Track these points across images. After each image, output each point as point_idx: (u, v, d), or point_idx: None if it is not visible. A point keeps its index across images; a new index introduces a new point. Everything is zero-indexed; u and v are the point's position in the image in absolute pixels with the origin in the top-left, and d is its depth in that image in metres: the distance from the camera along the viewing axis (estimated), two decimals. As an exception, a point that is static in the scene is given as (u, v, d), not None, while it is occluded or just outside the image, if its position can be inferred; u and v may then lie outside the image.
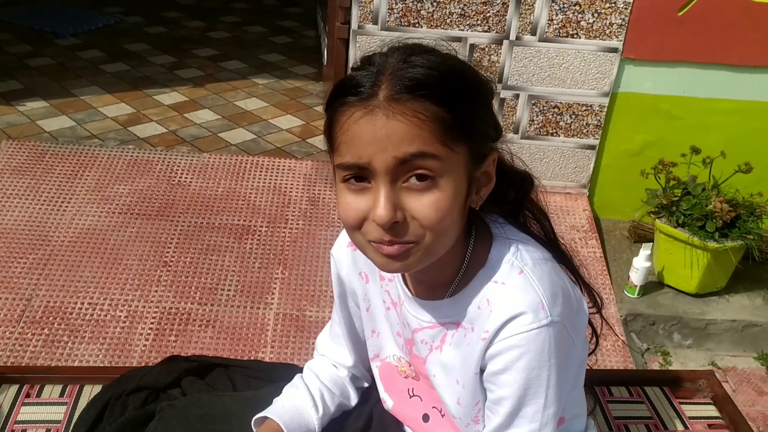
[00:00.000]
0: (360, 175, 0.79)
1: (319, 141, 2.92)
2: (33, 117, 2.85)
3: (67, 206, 2.44)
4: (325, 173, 2.72)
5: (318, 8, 4.07)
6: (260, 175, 2.68)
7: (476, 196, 0.83)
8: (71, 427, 1.15)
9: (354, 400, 1.14)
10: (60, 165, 2.59)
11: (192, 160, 2.70)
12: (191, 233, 2.39)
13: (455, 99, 0.78)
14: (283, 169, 2.72)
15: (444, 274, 0.89)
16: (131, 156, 2.69)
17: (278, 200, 2.57)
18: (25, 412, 1.18)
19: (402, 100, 0.75)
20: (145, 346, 2.02)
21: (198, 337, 2.07)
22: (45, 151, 2.64)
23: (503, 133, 0.87)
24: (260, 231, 2.44)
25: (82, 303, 2.12)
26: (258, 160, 2.75)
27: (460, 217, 0.82)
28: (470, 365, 0.85)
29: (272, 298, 2.21)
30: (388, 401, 1.06)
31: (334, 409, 1.10)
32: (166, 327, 2.09)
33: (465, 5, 2.32)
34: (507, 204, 0.90)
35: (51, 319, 2.07)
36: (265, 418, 1.05)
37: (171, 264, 2.28)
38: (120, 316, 2.10)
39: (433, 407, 0.98)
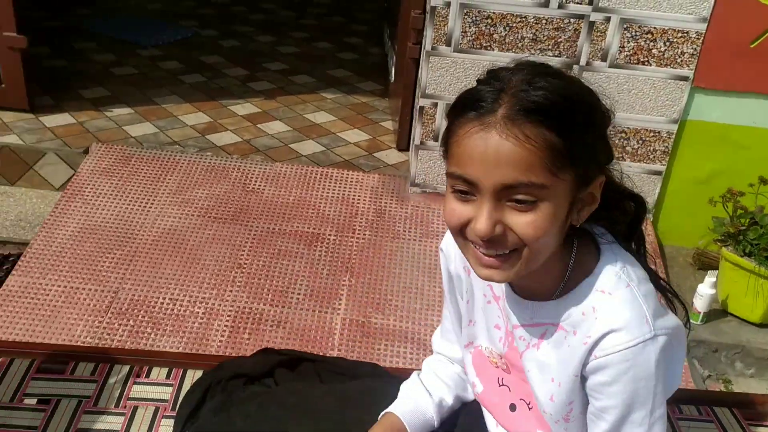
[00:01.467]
0: (467, 188, 0.85)
1: (385, 155, 3.03)
2: (120, 122, 3.04)
3: (150, 207, 2.59)
4: (391, 187, 2.82)
5: (385, 27, 4.21)
6: (329, 185, 2.80)
7: (578, 215, 0.88)
8: (177, 407, 1.26)
9: (471, 393, 1.19)
10: (144, 168, 2.76)
11: (265, 168, 2.84)
12: (264, 238, 2.52)
13: (571, 128, 0.81)
14: (351, 181, 2.83)
15: (545, 278, 0.94)
16: (209, 162, 2.84)
17: (346, 210, 2.68)
18: (137, 390, 1.30)
19: (518, 122, 0.80)
20: (220, 342, 2.14)
21: (270, 336, 2.18)
22: (131, 155, 2.82)
23: (614, 157, 0.92)
24: (329, 239, 2.55)
25: (164, 298, 2.26)
26: (327, 172, 2.87)
27: (560, 233, 0.88)
28: (569, 367, 0.92)
29: (339, 304, 2.32)
30: (478, 386, 1.12)
31: (452, 402, 1.17)
32: (240, 325, 2.21)
33: (537, 30, 2.40)
34: (617, 224, 0.96)
35: (136, 311, 2.21)
36: (386, 412, 1.13)
37: (245, 266, 2.40)
38: (198, 312, 2.23)
39: (521, 399, 1.05)
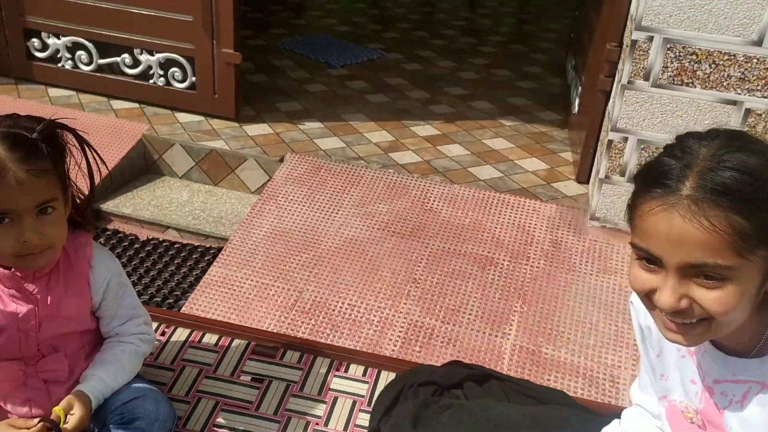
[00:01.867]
0: (651, 260, 0.84)
1: (563, 186, 3.01)
2: (311, 135, 3.27)
3: (335, 216, 2.76)
4: (568, 219, 2.79)
5: (569, 58, 4.18)
6: (505, 211, 2.83)
7: None
8: (372, 404, 1.34)
9: None
10: (332, 180, 2.95)
11: (443, 189, 2.93)
12: (439, 256, 2.60)
13: (762, 210, 0.76)
14: (527, 209, 2.84)
15: (743, 337, 0.91)
16: (391, 179, 2.97)
17: (521, 237, 2.70)
18: (337, 383, 1.40)
19: (703, 206, 0.76)
20: (392, 351, 2.23)
21: (440, 352, 2.24)
22: (320, 166, 3.02)
23: None
24: (502, 264, 2.58)
25: (343, 303, 2.40)
26: (504, 198, 2.90)
27: (752, 302, 0.83)
28: None
29: (510, 329, 2.33)
30: (672, 440, 1.11)
31: None
32: (412, 338, 2.29)
33: (746, 69, 2.29)
34: None
35: (317, 312, 2.36)
36: None
37: (419, 281, 2.49)
38: (373, 320, 2.34)
39: (716, 455, 1.02)
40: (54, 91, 3.46)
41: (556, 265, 2.58)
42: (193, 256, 2.73)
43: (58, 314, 1.20)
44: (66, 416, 1.11)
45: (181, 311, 2.35)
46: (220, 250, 2.72)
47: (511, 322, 2.35)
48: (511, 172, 3.10)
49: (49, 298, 1.19)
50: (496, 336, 2.30)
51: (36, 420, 1.10)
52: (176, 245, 2.78)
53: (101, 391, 1.19)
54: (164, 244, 2.78)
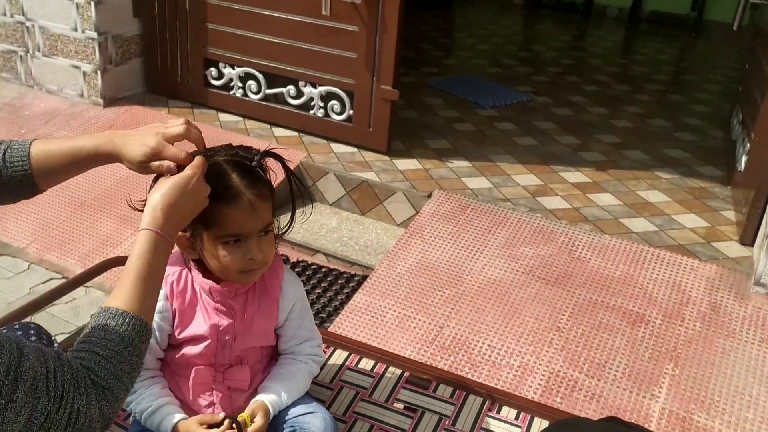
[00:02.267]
0: None
1: (725, 247, 2.83)
2: (459, 174, 3.31)
3: (479, 256, 2.77)
4: (730, 281, 2.62)
5: (735, 111, 3.96)
6: (659, 267, 2.70)
7: None
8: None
9: None
10: (478, 219, 2.96)
11: (593, 238, 2.85)
12: (585, 307, 2.52)
13: None
14: (683, 267, 2.70)
15: None
16: (537, 224, 2.94)
17: (675, 297, 2.56)
18: (488, 423, 1.39)
19: None
20: (532, 398, 2.18)
21: (582, 407, 2.16)
22: (467, 205, 3.05)
23: None
24: (654, 322, 2.46)
25: (483, 343, 2.39)
26: (658, 253, 2.77)
27: None
28: None
29: (659, 392, 2.21)
30: None
31: None
32: (552, 387, 2.23)
33: None
34: None
35: (456, 349, 2.36)
36: None
37: (563, 330, 2.42)
38: (513, 364, 2.31)
39: None
40: (224, 116, 3.75)
41: (713, 330, 2.42)
42: (339, 281, 2.83)
43: (251, 329, 1.30)
44: (250, 422, 1.19)
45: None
46: (364, 278, 2.80)
47: (661, 385, 2.23)
48: (666, 226, 2.97)
49: (245, 314, 1.29)
50: (644, 397, 2.19)
51: (221, 415, 1.19)
52: (323, 269, 2.90)
53: (278, 404, 1.27)
54: (312, 266, 2.91)
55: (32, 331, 1.29)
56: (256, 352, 1.35)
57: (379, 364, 1.54)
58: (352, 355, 1.56)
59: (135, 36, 3.80)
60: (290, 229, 1.32)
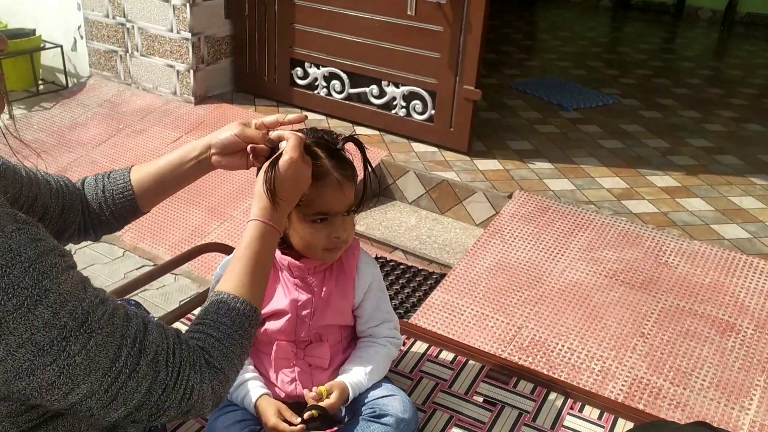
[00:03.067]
0: None
1: (826, 256, 2.67)
2: (540, 175, 3.26)
3: (560, 258, 2.72)
4: (831, 292, 2.47)
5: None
6: (752, 275, 2.58)
7: None
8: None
9: None
10: (559, 221, 2.91)
11: (681, 244, 2.75)
12: (672, 313, 2.43)
13: None
14: (779, 276, 2.56)
15: None
16: (622, 227, 2.86)
17: (770, 306, 2.44)
18: (570, 421, 1.37)
19: None
20: (613, 404, 2.12)
21: (665, 415, 2.09)
22: (548, 207, 3.00)
23: None
24: (745, 332, 2.35)
25: (562, 345, 2.34)
26: (752, 261, 2.65)
27: None
28: None
29: (750, 404, 2.11)
30: None
31: None
32: (635, 394, 2.16)
33: None
34: None
35: (535, 350, 2.33)
36: None
37: (648, 336, 2.35)
38: (594, 369, 2.25)
39: None
40: (308, 115, 3.84)
41: (812, 343, 2.29)
42: (417, 279, 2.84)
43: (328, 306, 1.33)
44: (326, 396, 1.22)
45: (403, 329, 2.47)
46: (442, 276, 2.81)
47: (751, 397, 2.13)
48: (761, 234, 2.83)
49: (323, 290, 1.33)
50: (733, 408, 2.09)
51: (298, 421, 1.20)
52: (402, 266, 2.92)
53: (358, 386, 1.29)
54: (391, 263, 2.93)
55: (132, 306, 1.37)
56: (336, 331, 1.38)
57: (458, 357, 1.54)
58: (432, 347, 1.57)
59: (226, 37, 3.95)
60: (360, 207, 1.36)
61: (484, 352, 1.56)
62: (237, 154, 1.23)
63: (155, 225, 3.10)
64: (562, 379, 2.22)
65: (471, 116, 3.35)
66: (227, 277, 1.07)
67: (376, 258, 2.96)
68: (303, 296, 1.32)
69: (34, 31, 4.28)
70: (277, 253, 1.32)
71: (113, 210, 1.29)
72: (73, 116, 3.96)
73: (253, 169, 1.25)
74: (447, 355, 1.55)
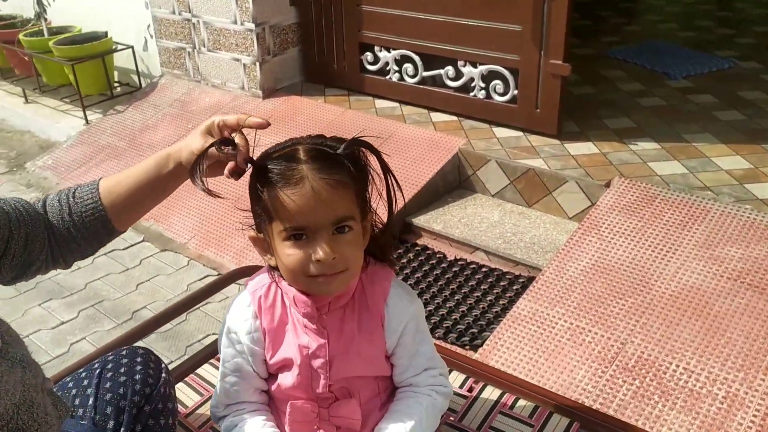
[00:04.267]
0: None
1: None
2: (644, 158, 2.83)
3: (671, 257, 2.31)
4: None
5: None
6: None
7: None
8: None
9: None
10: (669, 212, 2.49)
11: (824, 235, 2.26)
12: (816, 324, 1.98)
13: None
14: None
15: None
16: (747, 217, 2.40)
17: None
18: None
19: None
20: (743, 441, 1.73)
21: (814, 457, 1.68)
22: (655, 195, 2.57)
23: None
24: None
25: (677, 365, 1.96)
26: None
27: None
28: None
29: None
30: None
31: None
32: (772, 428, 1.76)
33: None
34: None
35: (643, 371, 1.96)
36: None
37: (786, 354, 1.92)
38: (717, 394, 1.86)
39: None
40: (380, 103, 3.56)
41: None
42: (501, 284, 2.51)
43: (350, 354, 1.06)
44: None
45: (484, 345, 2.16)
46: (530, 280, 2.46)
47: None
48: None
49: (342, 335, 1.05)
50: None
51: None
52: (484, 269, 2.60)
53: None
54: (471, 266, 2.62)
55: (139, 358, 1.15)
56: (369, 384, 1.11)
57: (541, 409, 1.22)
58: (506, 395, 1.26)
59: (292, 25, 3.73)
60: (389, 238, 1.06)
61: (575, 403, 1.23)
62: (208, 168, 1.07)
63: (221, 231, 2.93)
64: (677, 408, 1.85)
65: (559, 94, 2.96)
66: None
67: (455, 261, 2.66)
68: (314, 342, 1.05)
69: (106, 33, 4.24)
70: (284, 284, 1.06)
71: (84, 233, 1.10)
72: (145, 118, 3.88)
73: None
74: (526, 406, 1.24)
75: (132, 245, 2.96)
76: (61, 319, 2.51)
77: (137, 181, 1.12)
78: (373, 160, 1.03)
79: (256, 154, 1.05)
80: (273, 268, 1.06)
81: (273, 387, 1.09)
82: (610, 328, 2.12)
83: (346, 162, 0.98)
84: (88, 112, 4.05)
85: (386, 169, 1.03)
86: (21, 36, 4.24)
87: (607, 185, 2.67)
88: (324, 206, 0.95)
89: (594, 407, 1.86)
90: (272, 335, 1.07)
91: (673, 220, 2.45)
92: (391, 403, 1.12)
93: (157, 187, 1.13)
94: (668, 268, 2.27)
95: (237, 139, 1.04)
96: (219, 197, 1.00)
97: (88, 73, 4.07)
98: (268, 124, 1.06)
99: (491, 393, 1.29)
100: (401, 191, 1.04)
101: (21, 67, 4.54)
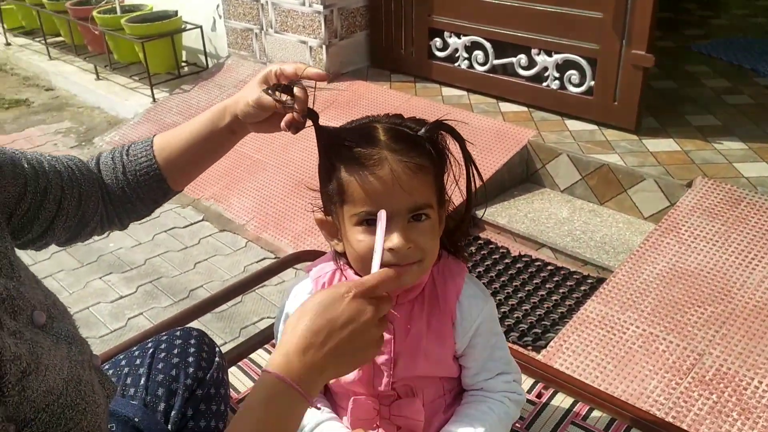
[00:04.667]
0: None
1: None
2: (729, 158, 2.64)
3: (757, 264, 2.14)
4: None
5: None
6: None
7: None
8: None
9: None
10: (756, 216, 2.31)
11: None
12: None
13: None
14: None
15: None
16: None
17: None
18: None
19: None
20: (835, 471, 1.57)
21: None
22: (741, 198, 2.40)
23: None
24: None
25: (759, 382, 1.80)
26: None
27: None
28: None
29: None
30: None
31: None
32: None
33: None
34: None
35: (721, 386, 1.82)
36: None
37: None
38: (806, 419, 1.70)
39: None
40: (447, 90, 3.46)
41: None
42: (567, 283, 2.39)
43: (416, 353, 0.98)
44: None
45: (548, 347, 2.04)
46: (600, 281, 2.33)
47: None
48: None
49: (409, 331, 0.97)
50: None
51: None
52: (549, 267, 2.47)
53: None
54: (536, 263, 2.50)
55: (193, 340, 1.10)
56: (434, 384, 1.02)
57: (617, 422, 1.12)
58: (580, 404, 1.16)
59: (360, 8, 3.66)
60: (466, 229, 0.97)
61: (654, 417, 1.12)
62: (266, 121, 1.00)
63: (280, 213, 2.89)
64: (759, 428, 1.70)
65: (640, 87, 2.79)
66: None
67: (519, 257, 2.54)
68: None
69: (177, 12, 4.27)
70: (349, 271, 0.98)
71: (138, 193, 1.05)
72: (210, 98, 3.88)
73: None
74: (601, 417, 1.14)
75: (192, 224, 2.96)
76: (120, 293, 2.52)
77: (192, 136, 1.05)
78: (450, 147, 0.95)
79: (302, 135, 0.98)
80: (339, 255, 0.99)
81: (332, 381, 1.02)
82: (686, 337, 1.97)
83: (427, 145, 0.90)
84: (155, 91, 4.09)
85: (469, 158, 0.94)
86: (95, 13, 4.31)
87: (689, 185, 2.50)
88: (402, 191, 0.87)
89: (666, 420, 1.73)
90: None
91: (759, 225, 2.27)
92: (459, 405, 1.03)
93: (212, 143, 1.05)
94: (753, 277, 2.10)
95: (296, 90, 0.94)
96: (289, 107, 0.92)
97: (158, 51, 4.10)
98: (329, 77, 0.98)
99: (562, 401, 1.18)
100: (483, 182, 0.95)
101: (94, 44, 4.62)
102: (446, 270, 1.00)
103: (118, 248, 2.80)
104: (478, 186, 0.95)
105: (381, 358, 0.97)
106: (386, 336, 0.97)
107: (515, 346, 2.14)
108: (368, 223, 0.89)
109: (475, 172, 0.94)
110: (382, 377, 0.98)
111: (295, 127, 0.93)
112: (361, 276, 0.95)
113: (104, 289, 2.55)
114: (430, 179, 0.90)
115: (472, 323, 0.99)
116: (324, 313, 0.76)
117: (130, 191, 1.05)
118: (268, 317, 2.36)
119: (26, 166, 0.93)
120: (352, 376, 0.99)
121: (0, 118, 4.26)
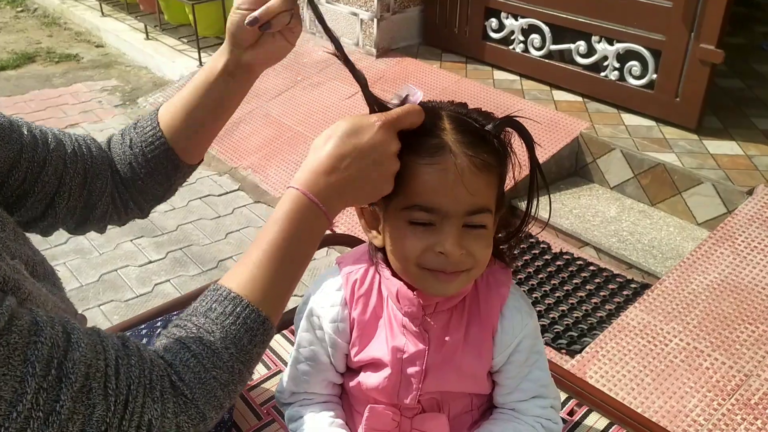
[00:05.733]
0: None
1: None
2: (797, 165, 2.47)
3: (819, 284, 1.98)
4: None
5: None
6: None
7: None
8: None
9: None
10: (821, 232, 2.14)
11: None
12: None
13: None
14: None
15: None
16: None
17: None
18: None
19: None
20: None
21: None
22: (806, 210, 2.23)
23: None
24: None
25: (812, 413, 1.67)
26: None
27: None
28: None
29: None
30: None
31: None
32: None
33: None
34: None
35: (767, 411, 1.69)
36: None
37: None
38: None
39: None
40: (499, 74, 3.32)
41: None
42: (609, 286, 2.27)
43: (450, 367, 0.89)
44: None
45: (583, 353, 1.94)
46: (644, 287, 2.21)
47: None
48: None
49: (444, 343, 0.88)
50: None
51: None
52: (591, 267, 2.35)
53: None
54: (578, 262, 2.38)
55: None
56: (462, 399, 0.93)
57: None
58: (616, 427, 1.06)
59: (416, -18, 3.54)
60: (519, 236, 0.87)
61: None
62: (261, 47, 0.91)
63: (316, 189, 2.83)
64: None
65: (706, 84, 2.62)
66: (238, 265, 0.75)
67: (559, 254, 2.42)
68: (412, 346, 0.88)
69: (229, -24, 4.21)
70: (386, 271, 0.89)
71: (147, 168, 0.98)
72: (256, 66, 3.82)
73: None
74: (637, 443, 1.04)
75: (227, 192, 2.92)
76: (149, 257, 2.50)
77: (190, 93, 0.97)
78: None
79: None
80: (377, 249, 0.89)
81: (351, 383, 0.94)
82: (733, 355, 1.84)
83: (495, 142, 0.80)
84: (202, 54, 4.04)
85: (535, 162, 0.83)
86: (149, -28, 4.29)
87: (750, 192, 2.34)
88: (463, 189, 0.77)
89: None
90: (361, 329, 0.91)
91: (826, 242, 2.11)
92: (485, 421, 0.94)
93: (212, 97, 0.96)
94: (814, 298, 1.95)
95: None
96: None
97: (207, 14, 4.05)
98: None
99: (596, 421, 1.09)
100: (547, 189, 0.86)
101: (146, 4, 4.60)
102: (491, 278, 0.90)
103: (153, 211, 2.77)
104: (541, 195, 0.85)
105: (412, 369, 0.88)
106: (420, 346, 0.88)
107: (547, 349, 2.04)
108: (421, 223, 0.79)
109: (540, 178, 0.84)
110: (410, 389, 0.89)
111: (254, 20, 0.86)
112: (399, 278, 0.87)
113: (134, 252, 2.53)
114: (494, 180, 0.80)
115: (514, 338, 0.89)
116: (351, 138, 0.75)
117: (138, 167, 0.98)
118: (295, 296, 2.30)
119: (26, 133, 0.88)
120: (375, 382, 0.90)
121: (49, 72, 4.28)
